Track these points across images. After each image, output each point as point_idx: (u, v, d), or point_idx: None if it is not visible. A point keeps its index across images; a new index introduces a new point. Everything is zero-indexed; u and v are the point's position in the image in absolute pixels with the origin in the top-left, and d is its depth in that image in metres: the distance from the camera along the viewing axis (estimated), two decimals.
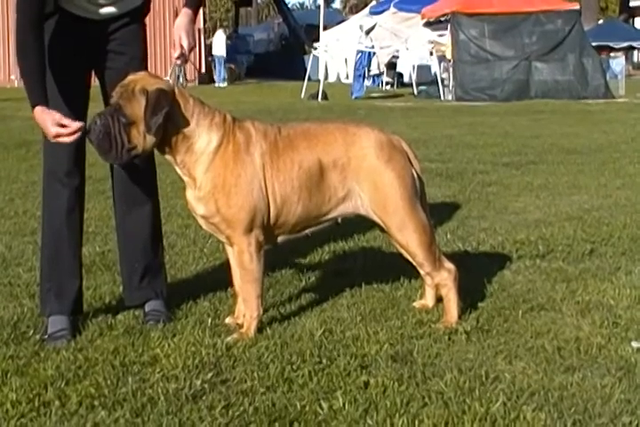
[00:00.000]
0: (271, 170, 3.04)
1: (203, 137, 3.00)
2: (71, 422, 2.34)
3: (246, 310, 3.10)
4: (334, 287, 3.68)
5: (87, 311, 3.32)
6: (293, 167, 3.07)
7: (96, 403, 2.46)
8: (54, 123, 2.88)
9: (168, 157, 3.05)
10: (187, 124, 2.99)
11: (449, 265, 3.24)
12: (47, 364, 2.75)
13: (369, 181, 3.12)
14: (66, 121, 2.90)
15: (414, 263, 3.26)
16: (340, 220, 3.24)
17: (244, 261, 3.06)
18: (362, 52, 21.40)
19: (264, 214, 3.04)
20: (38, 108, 2.91)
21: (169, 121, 2.92)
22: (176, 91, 2.98)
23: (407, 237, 3.16)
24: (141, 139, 2.92)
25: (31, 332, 3.09)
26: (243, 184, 3.00)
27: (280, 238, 3.18)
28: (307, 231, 3.22)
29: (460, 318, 3.20)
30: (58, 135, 2.90)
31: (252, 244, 3.04)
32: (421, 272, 3.38)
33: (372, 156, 3.12)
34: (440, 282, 3.23)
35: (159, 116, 2.87)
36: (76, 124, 2.89)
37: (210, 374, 2.67)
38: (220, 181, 3.00)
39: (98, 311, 3.35)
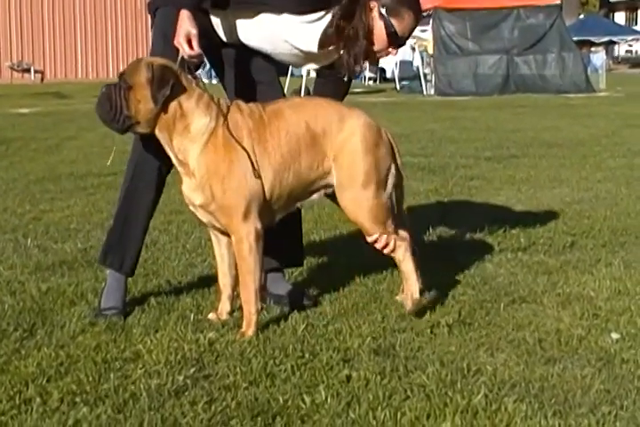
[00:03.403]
0: (259, 145, 3.02)
1: (200, 118, 3.00)
2: (52, 419, 2.33)
3: (244, 304, 3.03)
4: (316, 282, 3.68)
5: (69, 307, 3.32)
6: (280, 134, 3.04)
7: (78, 400, 2.45)
8: (186, 36, 3.00)
9: (164, 137, 3.03)
10: (187, 103, 2.99)
11: (403, 232, 3.23)
12: (28, 361, 2.73)
13: (347, 159, 3.09)
14: (194, 41, 2.99)
15: (368, 240, 3.20)
16: (322, 194, 3.19)
17: (242, 250, 3.01)
18: None
19: (260, 198, 3.01)
20: (185, 13, 3.02)
21: (171, 97, 2.96)
22: (179, 71, 3.01)
23: (365, 212, 3.11)
24: (140, 106, 2.95)
25: (11, 329, 3.08)
26: (236, 169, 2.98)
27: (277, 216, 3.13)
28: (298, 204, 3.20)
29: (422, 293, 3.19)
30: (178, 46, 3.01)
31: (251, 233, 3.00)
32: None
33: (360, 137, 3.10)
34: (396, 243, 3.17)
35: (166, 89, 2.92)
36: (197, 51, 3.01)
37: (192, 370, 2.67)
38: (212, 166, 2.99)
39: (80, 308, 3.33)
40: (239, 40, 3.30)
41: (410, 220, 3.41)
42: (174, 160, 3.07)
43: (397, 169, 3.23)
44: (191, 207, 3.13)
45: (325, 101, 3.20)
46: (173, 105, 2.98)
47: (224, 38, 3.31)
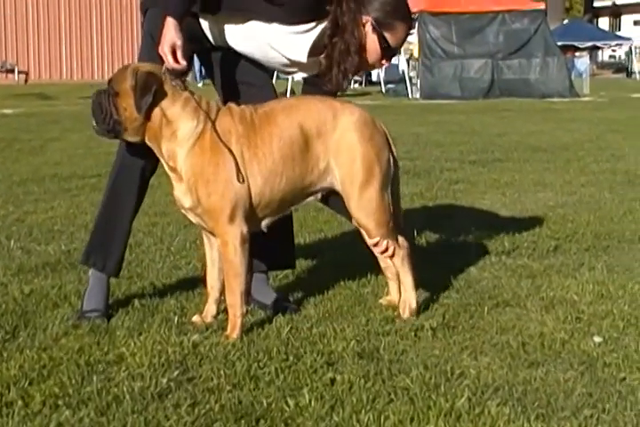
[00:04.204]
0: (249, 151, 3.01)
1: (186, 123, 2.99)
2: (34, 422, 2.31)
3: (229, 308, 3.03)
4: (301, 285, 3.68)
5: (52, 310, 3.30)
6: (272, 140, 3.03)
7: (60, 403, 2.44)
8: (170, 47, 2.97)
9: (154, 145, 3.04)
10: (171, 109, 2.98)
11: (403, 240, 3.25)
12: (10, 363, 2.71)
13: (347, 155, 3.10)
14: (179, 53, 2.97)
15: (370, 243, 3.24)
16: (319, 196, 3.21)
17: (227, 253, 3.01)
18: None
19: (246, 203, 3.00)
20: (170, 21, 2.98)
21: (155, 104, 2.95)
22: (164, 77, 3.00)
23: (367, 216, 3.14)
24: (126, 113, 2.96)
25: None
26: (221, 173, 2.97)
27: (266, 221, 3.13)
28: (292, 208, 3.20)
29: (419, 306, 3.22)
30: (162, 55, 2.98)
31: (237, 236, 2.99)
32: (383, 265, 3.39)
33: (356, 130, 3.11)
34: (395, 254, 3.22)
35: (148, 97, 2.92)
36: (181, 64, 2.97)
37: (176, 373, 2.66)
38: (198, 169, 2.98)
39: (63, 310, 3.31)
40: (228, 45, 3.29)
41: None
42: (166, 167, 3.07)
43: (394, 159, 3.24)
44: (182, 210, 3.12)
45: (318, 100, 3.18)
46: (158, 112, 2.98)
47: (213, 42, 3.30)
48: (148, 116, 2.98)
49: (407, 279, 3.26)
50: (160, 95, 2.97)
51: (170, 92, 2.99)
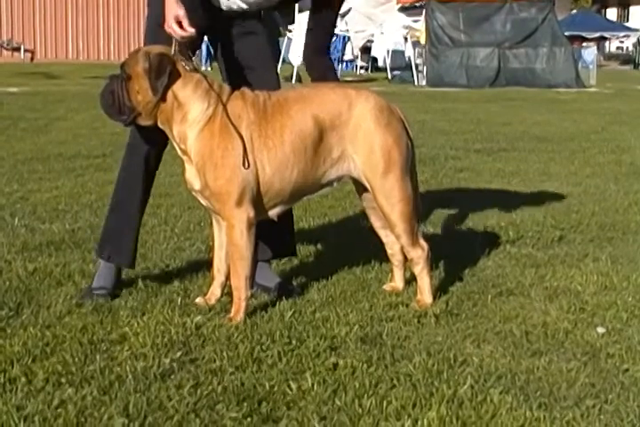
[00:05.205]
0: (259, 138, 3.00)
1: (197, 105, 2.98)
2: (37, 398, 2.32)
3: (234, 290, 3.03)
4: (305, 269, 3.68)
5: (56, 288, 3.30)
6: (284, 132, 3.02)
7: (63, 380, 2.44)
8: (175, 19, 2.98)
9: (166, 128, 3.03)
10: (183, 91, 2.97)
11: (423, 243, 3.25)
12: (14, 340, 2.72)
13: (365, 144, 3.09)
14: (185, 22, 2.98)
15: (393, 234, 3.23)
16: (335, 185, 3.21)
17: (233, 236, 3.01)
18: (336, 35, 21.33)
19: (254, 188, 2.99)
20: None
21: (168, 87, 2.95)
22: (175, 59, 2.99)
23: (392, 205, 3.13)
24: (139, 97, 2.95)
25: None
26: (230, 157, 2.96)
27: (276, 210, 3.13)
28: (305, 198, 3.20)
29: (433, 299, 3.22)
30: (169, 30, 2.99)
31: (243, 220, 2.99)
32: (389, 252, 3.40)
33: (372, 118, 3.09)
34: (413, 259, 3.23)
35: (164, 78, 2.92)
36: (189, 31, 2.98)
37: (179, 353, 2.66)
38: (206, 152, 2.97)
39: (66, 288, 3.31)
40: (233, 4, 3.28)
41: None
42: (178, 150, 3.07)
43: (411, 143, 3.22)
44: (192, 192, 3.12)
45: (332, 89, 3.17)
46: (170, 95, 2.97)
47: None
48: (161, 99, 2.96)
49: (423, 284, 3.24)
50: (173, 78, 2.96)
51: (182, 75, 2.98)
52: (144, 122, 3.03)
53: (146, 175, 3.29)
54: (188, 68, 3.00)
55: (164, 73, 2.92)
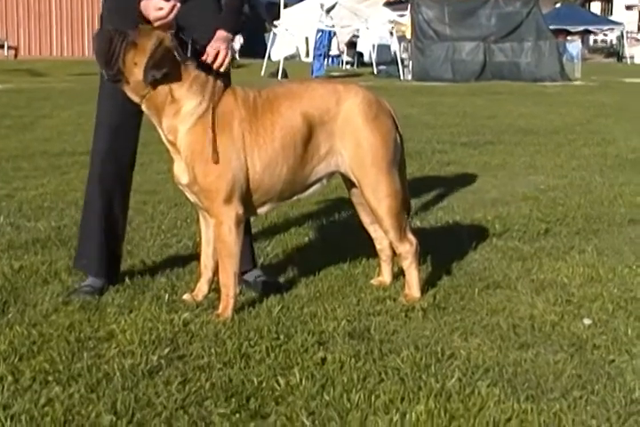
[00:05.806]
0: (250, 136, 2.99)
1: (191, 102, 2.96)
2: (24, 397, 2.31)
3: (222, 287, 3.02)
4: (292, 264, 3.67)
5: (42, 286, 3.29)
6: (274, 129, 3.01)
7: (50, 378, 2.44)
8: (155, 8, 2.97)
9: (152, 114, 3.00)
10: (180, 90, 2.95)
11: (412, 238, 3.25)
12: (0, 339, 2.71)
13: (353, 139, 3.09)
14: (163, 4, 2.98)
15: (381, 229, 3.24)
16: (325, 182, 3.21)
17: (221, 233, 3.00)
18: (322, 31, 21.30)
19: (243, 185, 2.99)
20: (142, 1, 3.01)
21: (164, 82, 2.92)
22: (177, 56, 2.96)
23: (379, 200, 3.13)
24: (134, 69, 2.90)
25: None
26: (220, 153, 2.96)
27: (265, 208, 3.13)
28: (295, 197, 3.19)
29: (421, 293, 3.22)
30: (158, 19, 2.97)
31: (232, 217, 2.98)
32: (378, 247, 3.40)
33: (360, 113, 3.09)
34: (402, 254, 3.23)
35: (157, 72, 2.89)
36: (171, 4, 2.98)
37: (166, 350, 2.66)
38: (197, 147, 2.96)
39: (53, 286, 3.30)
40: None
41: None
42: (164, 140, 3.04)
43: (400, 137, 3.22)
44: (180, 186, 3.11)
45: (320, 84, 3.18)
46: (165, 89, 2.94)
47: None
48: (155, 89, 2.93)
49: (411, 278, 3.24)
50: (172, 75, 2.91)
51: (181, 72, 2.94)
52: (127, 91, 2.99)
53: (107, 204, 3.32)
54: (187, 64, 2.96)
55: (160, 68, 2.88)
